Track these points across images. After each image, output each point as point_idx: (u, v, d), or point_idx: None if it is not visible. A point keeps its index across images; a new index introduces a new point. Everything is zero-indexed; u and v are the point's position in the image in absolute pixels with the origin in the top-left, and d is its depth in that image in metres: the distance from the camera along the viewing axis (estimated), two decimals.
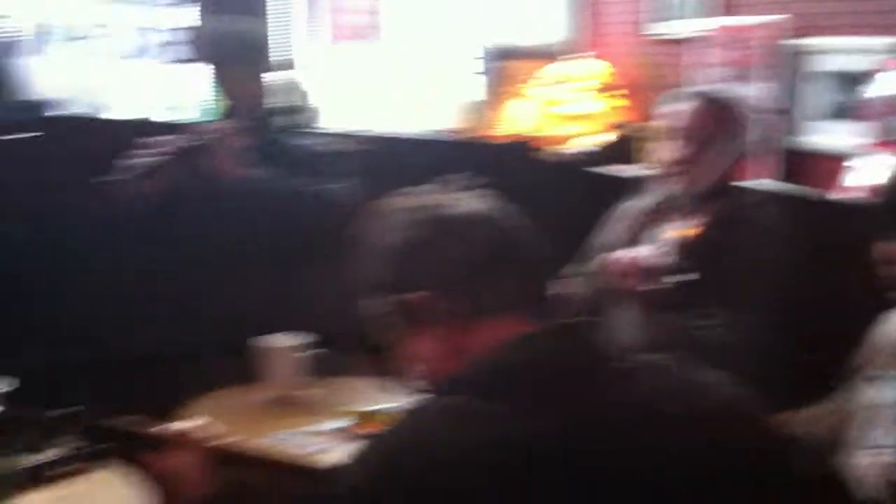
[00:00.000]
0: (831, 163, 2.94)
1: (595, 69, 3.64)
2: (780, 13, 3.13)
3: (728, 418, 1.19)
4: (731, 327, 2.19)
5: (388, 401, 2.08)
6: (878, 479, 1.68)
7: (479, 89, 3.78)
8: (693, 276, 2.20)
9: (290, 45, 3.49)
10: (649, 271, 2.26)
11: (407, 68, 3.68)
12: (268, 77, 2.83)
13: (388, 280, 1.26)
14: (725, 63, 3.27)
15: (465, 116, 3.79)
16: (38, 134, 3.14)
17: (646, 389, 1.17)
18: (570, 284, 2.45)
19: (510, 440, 1.07)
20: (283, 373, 2.27)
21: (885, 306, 1.78)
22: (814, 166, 3.09)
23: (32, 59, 3.28)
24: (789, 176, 3.11)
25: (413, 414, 1.16)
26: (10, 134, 3.14)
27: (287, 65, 3.46)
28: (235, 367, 2.31)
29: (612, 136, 3.45)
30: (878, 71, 2.77)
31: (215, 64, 2.82)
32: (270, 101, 2.87)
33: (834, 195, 2.84)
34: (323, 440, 2.04)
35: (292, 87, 3.50)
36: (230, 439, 1.56)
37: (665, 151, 2.37)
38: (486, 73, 3.78)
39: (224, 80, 2.81)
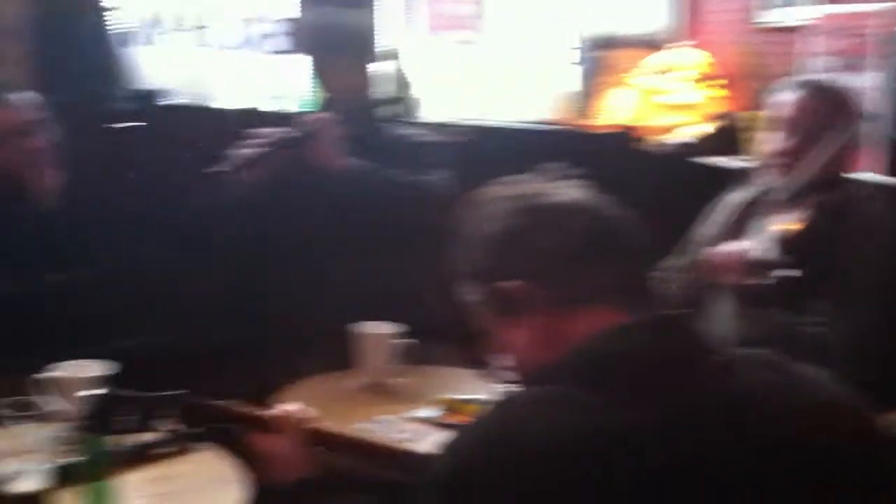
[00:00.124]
0: None
1: (697, 58, 3.57)
2: (893, 1, 3.02)
3: (829, 415, 1.16)
4: (834, 324, 2.13)
5: (480, 390, 2.07)
6: None
7: (577, 79, 3.75)
8: (796, 272, 2.14)
9: (393, 36, 3.51)
10: (751, 266, 2.21)
11: (506, 58, 3.67)
12: (371, 67, 2.86)
13: (484, 269, 1.26)
14: (834, 52, 3.17)
15: (564, 106, 3.76)
16: (149, 123, 3.23)
17: (745, 383, 1.15)
18: (671, 276, 2.42)
19: (606, 430, 1.06)
20: (376, 360, 2.29)
21: None
22: None
23: (143, 50, 3.37)
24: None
25: (504, 404, 1.16)
26: (122, 122, 3.23)
27: (391, 55, 3.48)
28: (331, 353, 2.34)
29: (714, 127, 3.38)
30: None
31: (315, 55, 2.86)
32: (373, 92, 2.90)
33: None
34: (414, 428, 2.05)
35: (396, 78, 3.52)
36: (324, 424, 1.58)
37: (769, 142, 2.31)
38: (584, 62, 3.75)
39: (324, 71, 2.85)
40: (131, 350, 2.39)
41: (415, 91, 3.61)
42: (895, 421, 1.77)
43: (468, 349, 2.13)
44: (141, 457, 1.79)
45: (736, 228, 2.37)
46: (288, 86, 3.43)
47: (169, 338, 2.69)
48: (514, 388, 1.25)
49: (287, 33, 3.43)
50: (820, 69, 3.16)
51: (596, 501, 1.04)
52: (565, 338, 1.18)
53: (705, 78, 3.54)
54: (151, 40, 3.39)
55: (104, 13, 3.31)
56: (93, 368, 1.90)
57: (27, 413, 1.65)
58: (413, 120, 3.46)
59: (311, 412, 1.58)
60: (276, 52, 3.44)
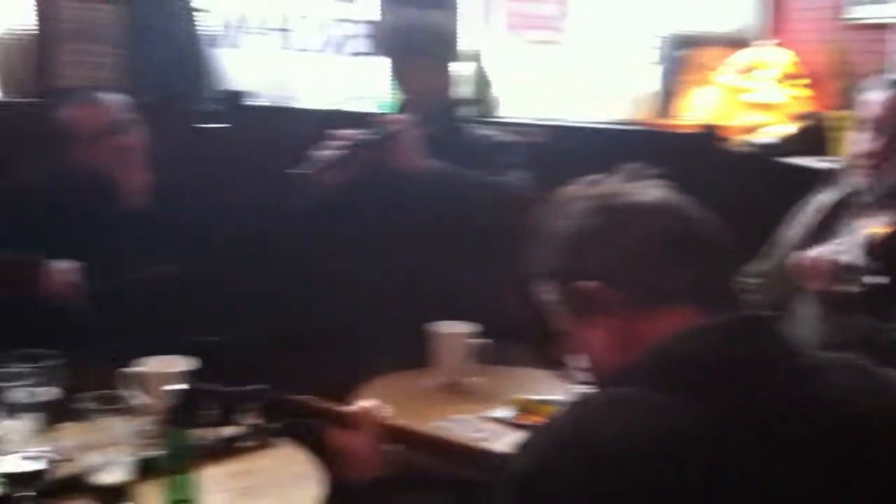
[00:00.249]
0: None
1: (782, 56, 3.50)
2: None
3: None
4: None
5: (555, 391, 2.07)
6: None
7: (660, 78, 3.71)
8: (882, 279, 2.09)
9: (473, 36, 3.51)
10: (838, 271, 2.16)
11: (587, 57, 3.65)
12: (451, 68, 2.86)
13: (561, 269, 1.26)
14: None
15: (646, 105, 3.72)
16: (234, 124, 3.28)
17: (830, 387, 1.13)
18: (755, 278, 2.38)
19: (682, 432, 1.05)
20: (452, 359, 2.30)
21: None
22: None
23: (228, 52, 3.43)
24: None
25: (579, 405, 1.15)
26: (209, 123, 3.29)
27: (470, 55, 3.49)
28: (408, 352, 2.35)
29: (799, 127, 3.31)
30: None
31: (395, 57, 2.88)
32: (453, 93, 2.91)
33: None
34: (489, 428, 2.05)
35: (475, 78, 3.53)
36: (399, 422, 1.59)
37: (856, 143, 2.26)
38: (666, 61, 3.70)
39: (404, 73, 2.86)
40: (215, 345, 2.44)
41: (494, 91, 3.61)
42: None
43: (544, 350, 2.13)
44: (222, 451, 1.83)
45: (822, 231, 2.31)
46: (368, 88, 3.46)
47: (251, 334, 2.74)
48: (589, 389, 1.24)
49: (368, 36, 3.45)
50: None
51: None
52: (642, 339, 1.17)
53: (790, 76, 3.47)
54: (236, 42, 3.45)
55: (192, 15, 3.38)
56: (177, 363, 1.94)
57: (113, 406, 1.69)
58: (492, 120, 3.46)
59: (388, 409, 1.59)
60: (358, 54, 3.47)
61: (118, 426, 1.66)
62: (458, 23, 3.11)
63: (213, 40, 3.42)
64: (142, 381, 1.93)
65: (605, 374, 1.22)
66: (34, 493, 1.60)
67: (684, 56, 3.71)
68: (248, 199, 2.94)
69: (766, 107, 3.52)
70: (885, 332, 2.09)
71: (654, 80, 3.71)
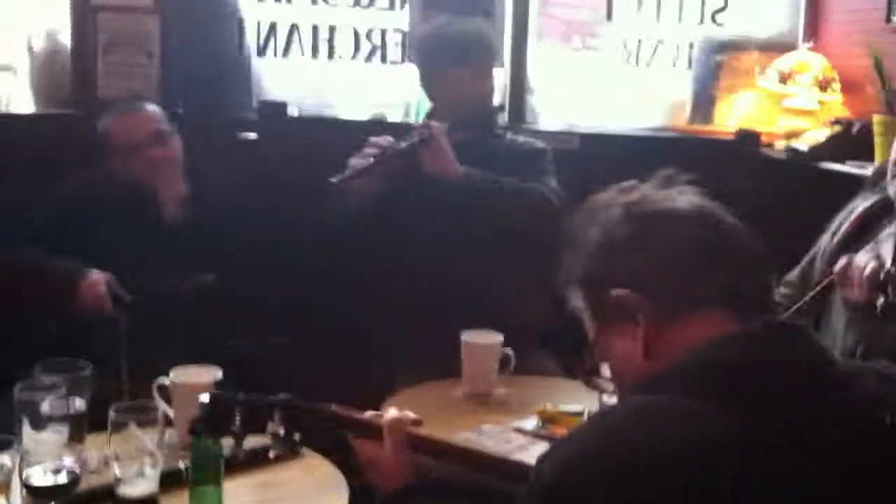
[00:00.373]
0: None
1: (820, 62, 3.46)
2: None
3: None
4: None
5: (584, 401, 2.05)
6: None
7: (697, 84, 3.68)
8: None
9: (508, 43, 3.51)
10: (876, 279, 2.11)
11: (623, 64, 3.63)
12: (487, 75, 2.85)
13: (593, 276, 1.25)
14: None
15: (683, 112, 3.70)
16: (272, 133, 3.29)
17: (863, 395, 1.12)
18: (792, 285, 2.35)
19: (714, 440, 1.04)
20: (482, 369, 2.28)
21: None
22: None
23: (267, 61, 3.44)
24: None
25: (607, 414, 1.14)
26: (248, 133, 3.30)
27: (505, 62, 3.48)
28: (438, 362, 2.34)
29: (838, 132, 3.26)
30: None
31: (429, 65, 2.87)
32: (487, 99, 2.89)
33: None
34: (518, 438, 2.04)
35: (510, 85, 3.52)
36: (427, 431, 1.57)
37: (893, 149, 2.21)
38: (705, 66, 3.68)
39: (438, 81, 2.85)
40: (248, 353, 2.44)
41: (529, 98, 3.59)
42: None
43: (574, 358, 2.10)
44: (250, 461, 1.81)
45: (860, 238, 2.27)
46: (403, 96, 3.46)
47: (284, 342, 2.74)
48: (618, 397, 1.22)
49: (402, 44, 3.46)
50: None
51: None
52: (673, 346, 1.16)
53: (829, 82, 3.43)
54: (275, 52, 3.46)
55: (232, 25, 3.39)
56: (207, 374, 1.93)
57: (142, 416, 1.69)
58: (527, 127, 3.45)
59: (417, 419, 1.58)
60: (392, 63, 3.47)
61: (147, 436, 1.66)
62: (491, 30, 3.09)
63: (251, 50, 3.43)
64: (172, 390, 1.93)
65: (633, 383, 1.20)
66: None
67: (721, 61, 3.69)
68: (285, 207, 2.95)
69: (804, 112, 3.48)
70: None
71: (694, 86, 3.68)
